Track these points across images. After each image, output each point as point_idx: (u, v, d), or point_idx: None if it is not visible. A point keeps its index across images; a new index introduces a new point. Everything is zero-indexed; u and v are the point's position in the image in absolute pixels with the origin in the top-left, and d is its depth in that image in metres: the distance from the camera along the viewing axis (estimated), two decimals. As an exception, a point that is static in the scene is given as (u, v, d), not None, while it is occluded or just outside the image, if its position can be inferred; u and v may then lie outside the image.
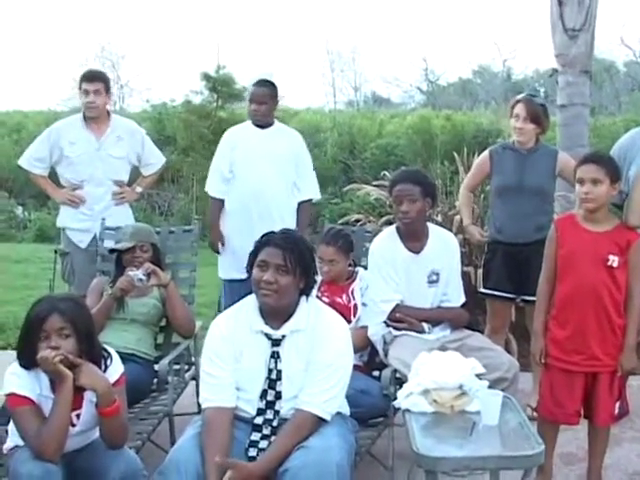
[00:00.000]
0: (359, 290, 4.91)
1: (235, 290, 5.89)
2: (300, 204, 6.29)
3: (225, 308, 5.76)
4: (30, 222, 15.68)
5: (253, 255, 3.66)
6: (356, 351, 4.17)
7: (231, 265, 6.09)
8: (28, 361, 3.39)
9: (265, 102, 6.15)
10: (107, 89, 6.08)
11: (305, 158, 6.34)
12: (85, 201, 6.01)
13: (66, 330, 3.34)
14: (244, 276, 5.88)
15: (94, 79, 6.02)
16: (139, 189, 6.37)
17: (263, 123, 6.18)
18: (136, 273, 4.79)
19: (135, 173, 6.42)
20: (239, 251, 5.93)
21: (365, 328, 4.75)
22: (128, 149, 6.16)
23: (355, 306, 4.86)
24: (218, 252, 6.23)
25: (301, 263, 3.59)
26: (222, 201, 6.21)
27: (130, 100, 35.55)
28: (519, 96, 5.45)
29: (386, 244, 4.81)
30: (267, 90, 6.19)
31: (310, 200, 6.38)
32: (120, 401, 3.43)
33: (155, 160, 6.42)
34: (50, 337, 3.33)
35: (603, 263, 4.09)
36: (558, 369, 4.21)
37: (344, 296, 4.91)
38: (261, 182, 6.06)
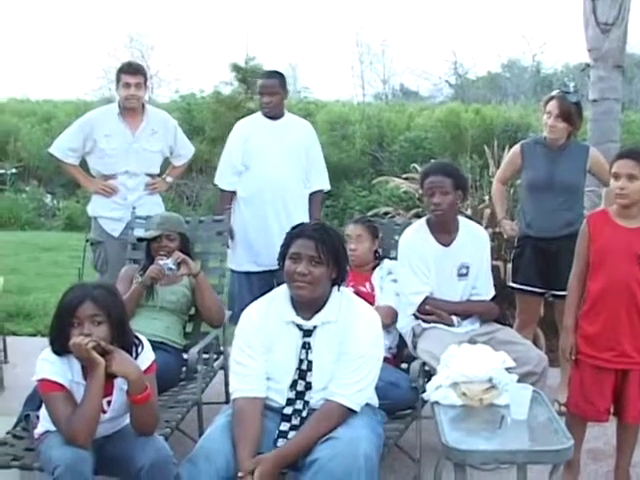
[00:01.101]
0: (379, 278, 4.93)
1: (250, 283, 5.91)
2: (311, 195, 6.30)
3: (238, 301, 5.81)
4: (59, 210, 15.77)
5: (285, 247, 3.67)
6: (384, 327, 4.16)
7: (245, 257, 6.12)
8: (60, 347, 3.41)
9: (277, 93, 6.15)
10: (145, 82, 6.11)
11: (316, 148, 6.34)
12: (118, 191, 6.04)
13: (99, 317, 3.37)
14: (259, 269, 5.93)
15: (137, 72, 6.03)
16: (169, 179, 6.40)
17: (275, 114, 6.17)
18: (166, 262, 4.81)
19: (165, 163, 6.43)
20: (254, 243, 6.02)
21: (388, 306, 4.77)
22: (162, 142, 6.19)
23: None
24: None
25: (333, 254, 3.60)
26: (232, 193, 6.21)
27: (159, 90, 35.64)
28: (553, 92, 5.42)
29: (416, 236, 4.81)
30: (277, 81, 6.19)
31: (321, 191, 6.38)
32: (151, 389, 3.45)
33: (185, 151, 6.45)
34: (83, 324, 3.35)
35: (636, 259, 4.06)
36: (588, 365, 4.18)
37: (367, 284, 4.93)
38: (275, 174, 6.07)
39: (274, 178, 6.05)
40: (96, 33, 63.89)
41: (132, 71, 6.01)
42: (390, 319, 4.72)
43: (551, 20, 55.87)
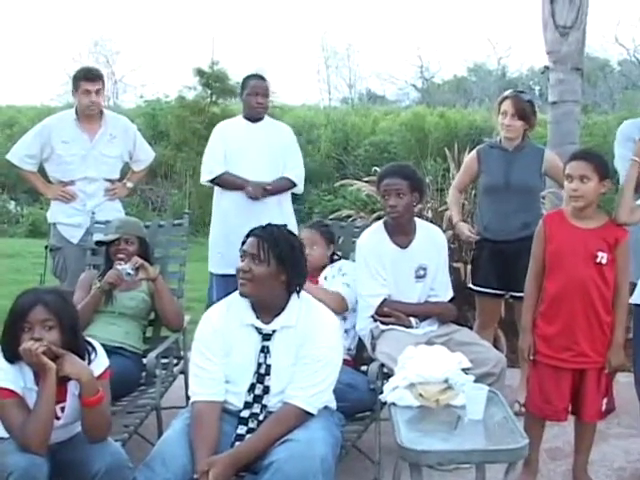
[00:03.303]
0: (330, 276, 4.91)
1: (228, 286, 5.89)
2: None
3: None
4: (23, 217, 15.66)
5: (240, 246, 3.70)
6: (336, 313, 4.20)
7: (223, 260, 6.06)
8: (12, 354, 3.38)
9: (267, 95, 6.19)
10: (104, 87, 6.07)
11: (295, 152, 6.33)
12: (77, 197, 5.99)
13: (50, 322, 3.34)
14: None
15: (96, 79, 5.96)
16: (130, 184, 6.36)
17: (262, 116, 6.16)
18: (124, 267, 4.79)
19: (126, 167, 6.39)
20: (232, 246, 5.90)
21: (335, 292, 4.75)
22: (122, 147, 6.15)
23: None
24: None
25: (276, 252, 3.60)
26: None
27: (124, 96, 35.47)
28: (506, 92, 5.46)
29: (373, 239, 4.81)
30: (267, 84, 6.21)
31: (292, 182, 6.28)
32: (103, 393, 3.42)
33: (145, 156, 6.41)
34: (33, 328, 3.33)
35: (592, 260, 4.08)
36: (546, 365, 4.21)
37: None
38: (254, 176, 6.02)
39: (254, 180, 6.01)
40: (60, 38, 63.47)
41: (92, 78, 5.94)
42: (340, 306, 4.68)
43: (516, 24, 56.11)
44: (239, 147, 6.09)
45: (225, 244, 6.02)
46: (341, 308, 4.71)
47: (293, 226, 6.10)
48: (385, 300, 4.71)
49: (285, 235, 3.73)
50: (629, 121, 5.20)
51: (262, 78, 6.23)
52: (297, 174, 6.25)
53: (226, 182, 6.09)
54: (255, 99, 6.09)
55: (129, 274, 4.77)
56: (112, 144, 6.07)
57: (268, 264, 3.59)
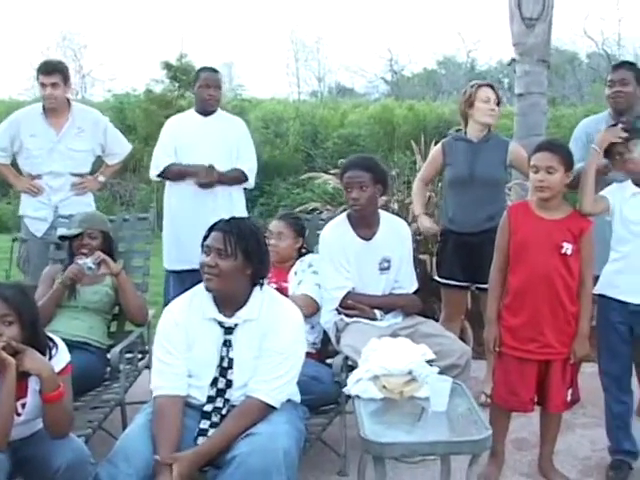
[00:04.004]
0: (299, 270, 4.91)
1: (183, 281, 5.85)
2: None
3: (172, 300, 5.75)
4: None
5: (202, 241, 3.66)
6: (308, 316, 4.30)
7: (177, 256, 6.04)
8: None
9: (220, 87, 6.15)
10: (65, 80, 5.93)
11: (249, 145, 6.26)
12: (44, 190, 5.94)
13: (9, 317, 3.30)
14: (191, 267, 5.86)
15: (51, 72, 5.87)
16: (102, 178, 6.30)
17: (211, 110, 6.10)
18: (85, 261, 4.74)
19: (99, 161, 6.33)
20: (185, 241, 5.89)
21: (309, 297, 4.74)
22: (91, 141, 6.08)
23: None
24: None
25: (243, 246, 3.57)
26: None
27: (93, 90, 35.19)
28: (479, 81, 5.46)
29: (337, 231, 4.80)
30: (218, 76, 6.19)
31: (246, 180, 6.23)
32: (65, 389, 3.38)
33: (120, 149, 6.35)
34: None
35: (557, 251, 4.09)
36: (512, 357, 4.21)
37: (289, 280, 4.90)
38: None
39: (202, 164, 5.95)
40: (28, 32, 62.83)
41: (48, 70, 5.87)
42: (309, 309, 4.67)
43: (485, 17, 56.23)
44: (191, 141, 6.04)
45: (177, 240, 6.01)
46: (311, 310, 4.71)
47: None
48: (349, 293, 4.70)
49: (251, 228, 3.71)
50: (586, 120, 5.30)
51: (214, 70, 6.20)
52: (250, 168, 6.18)
53: (174, 173, 6.06)
54: (207, 91, 6.05)
55: (90, 268, 4.73)
56: (80, 138, 6.00)
57: (235, 258, 3.56)
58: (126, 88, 20.72)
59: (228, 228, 3.61)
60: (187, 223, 5.88)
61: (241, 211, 6.11)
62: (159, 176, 6.16)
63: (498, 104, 5.32)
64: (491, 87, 5.35)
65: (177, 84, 15.03)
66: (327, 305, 4.72)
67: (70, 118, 5.99)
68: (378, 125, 18.37)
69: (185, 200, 6.04)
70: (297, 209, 7.60)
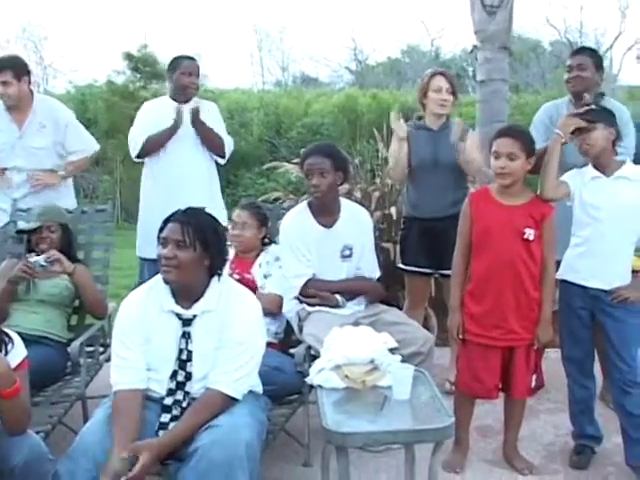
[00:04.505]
0: (264, 263, 4.86)
1: (156, 270, 5.79)
2: None
3: None
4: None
5: (159, 232, 3.61)
6: (271, 314, 4.34)
7: (151, 243, 5.95)
8: None
9: (199, 75, 6.13)
10: (18, 76, 5.75)
11: (222, 127, 6.26)
12: (11, 185, 5.85)
13: None
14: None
15: (1, 70, 5.71)
16: (62, 173, 6.07)
17: (193, 96, 6.07)
18: (37, 259, 4.64)
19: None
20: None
21: (274, 294, 4.71)
22: (52, 138, 5.93)
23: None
24: None
25: (201, 237, 3.53)
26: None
27: (55, 82, 34.87)
28: (434, 69, 5.43)
29: (297, 219, 4.77)
30: (198, 64, 6.14)
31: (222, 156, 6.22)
32: (21, 385, 3.32)
33: (83, 146, 6.16)
34: None
35: (519, 237, 4.09)
36: (475, 344, 4.22)
37: (252, 271, 4.85)
38: (183, 156, 5.96)
39: (182, 160, 5.95)
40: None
41: None
42: (276, 307, 4.66)
43: (449, 5, 56.23)
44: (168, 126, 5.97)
45: (153, 228, 5.93)
46: (278, 307, 4.68)
47: (221, 207, 6.08)
48: (309, 280, 4.67)
49: (208, 219, 3.67)
50: (547, 104, 5.31)
51: (193, 59, 6.15)
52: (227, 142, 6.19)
53: (155, 142, 5.97)
54: (189, 79, 6.00)
55: (42, 266, 4.64)
56: (41, 133, 5.87)
57: (194, 249, 3.52)
58: (88, 80, 20.60)
59: (185, 219, 3.56)
60: (163, 209, 5.79)
61: (218, 197, 6.15)
62: (139, 156, 6.08)
63: (453, 93, 5.28)
64: (444, 75, 5.30)
65: (139, 75, 14.89)
66: (288, 294, 4.68)
67: (31, 114, 5.87)
68: (342, 114, 18.40)
69: (162, 186, 5.99)
70: (260, 199, 7.57)
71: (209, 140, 6.04)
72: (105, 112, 14.92)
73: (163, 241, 3.55)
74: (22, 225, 5.14)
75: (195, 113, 5.89)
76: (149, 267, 6.01)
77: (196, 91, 6.11)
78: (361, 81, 35.11)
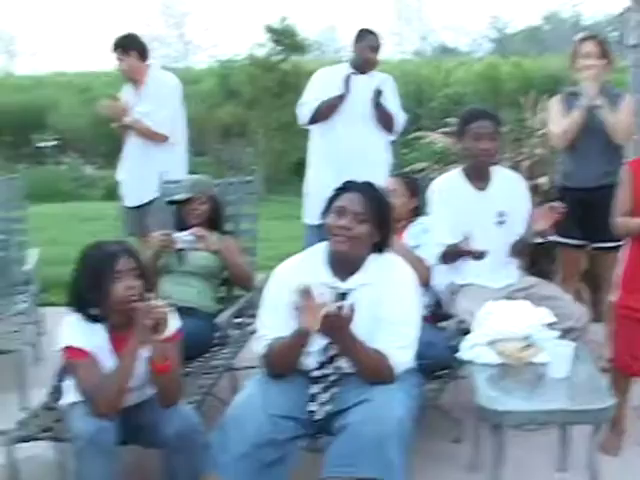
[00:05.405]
0: (414, 234, 4.72)
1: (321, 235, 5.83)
2: None
3: None
4: (98, 181, 15.72)
5: (331, 201, 3.53)
6: (421, 286, 4.12)
7: (316, 210, 5.94)
8: (89, 311, 3.38)
9: (378, 50, 6.22)
10: (125, 53, 6.26)
11: (396, 101, 6.32)
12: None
13: (137, 271, 3.34)
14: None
15: (114, 49, 6.30)
16: (128, 118, 6.37)
17: (372, 69, 6.18)
18: (181, 235, 4.72)
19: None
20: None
21: (424, 266, 4.54)
22: (153, 107, 6.28)
23: None
24: None
25: (378, 212, 3.45)
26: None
27: (196, 57, 35.53)
28: (584, 34, 5.22)
29: (449, 183, 4.67)
30: (379, 39, 6.25)
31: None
32: (174, 357, 3.36)
33: (155, 119, 6.34)
34: (125, 277, 3.30)
35: None
36: (634, 320, 4.03)
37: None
38: (354, 128, 6.07)
39: (352, 132, 6.07)
40: (130, 2, 63.59)
41: (112, 49, 6.31)
42: (426, 279, 4.49)
43: (592, -32, 54.63)
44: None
45: (322, 196, 5.95)
46: (427, 279, 4.53)
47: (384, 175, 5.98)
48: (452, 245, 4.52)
49: (382, 194, 3.59)
50: None
51: (376, 34, 6.24)
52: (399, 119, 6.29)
53: (324, 110, 6.11)
54: (371, 54, 6.13)
55: (187, 242, 4.70)
56: (146, 102, 6.33)
57: (370, 223, 3.44)
58: (228, 54, 20.86)
59: (365, 191, 3.47)
60: (332, 179, 5.77)
61: (381, 167, 6.13)
62: (309, 123, 6.23)
63: (605, 57, 5.05)
64: (594, 40, 5.07)
65: (280, 48, 14.95)
66: (436, 262, 4.57)
67: (143, 85, 6.34)
68: (483, 83, 18.05)
69: (331, 155, 6.15)
70: (405, 170, 7.47)
71: (383, 120, 6.16)
72: (247, 85, 15.02)
73: (340, 210, 3.45)
74: (172, 197, 5.18)
75: (377, 95, 6.01)
76: (314, 233, 6.00)
77: (374, 66, 6.19)
78: (501, 49, 34.50)
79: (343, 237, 3.41)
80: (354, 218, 3.41)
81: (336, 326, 3.24)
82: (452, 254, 4.51)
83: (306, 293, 3.24)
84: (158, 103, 6.28)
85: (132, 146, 6.42)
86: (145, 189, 6.13)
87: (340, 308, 3.23)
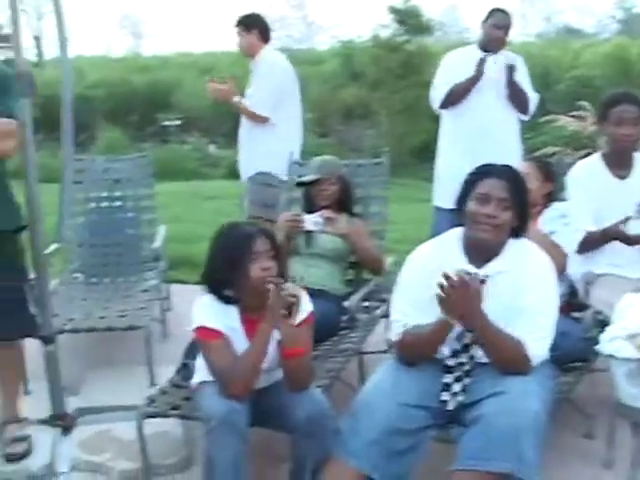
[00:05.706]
0: (549, 220, 4.58)
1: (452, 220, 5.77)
2: None
3: None
4: (221, 160, 15.89)
5: (469, 186, 3.45)
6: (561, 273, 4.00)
7: (447, 193, 5.80)
8: (222, 291, 3.40)
9: (508, 29, 6.16)
10: (247, 30, 6.39)
11: (527, 80, 6.24)
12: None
13: (271, 252, 3.35)
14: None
15: (235, 25, 6.45)
16: (236, 98, 6.38)
17: (501, 49, 6.08)
18: (309, 217, 4.72)
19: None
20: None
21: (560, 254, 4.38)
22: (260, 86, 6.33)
23: None
24: None
25: (521, 198, 3.38)
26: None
27: (318, 38, 35.65)
28: None
29: (588, 170, 4.54)
30: (509, 19, 6.17)
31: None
32: (306, 341, 3.35)
33: (255, 101, 6.34)
34: (260, 258, 3.31)
35: None
36: None
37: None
38: (486, 109, 6.04)
39: (484, 113, 6.03)
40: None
41: (235, 23, 6.45)
42: (562, 267, 4.32)
43: None
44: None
45: (453, 178, 5.87)
46: (563, 267, 4.36)
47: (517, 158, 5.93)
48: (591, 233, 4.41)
49: (523, 179, 3.51)
50: None
51: (506, 13, 6.18)
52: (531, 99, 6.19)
53: (457, 93, 6.09)
54: (499, 32, 6.06)
55: (316, 223, 4.69)
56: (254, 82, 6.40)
57: (513, 211, 3.37)
58: (350, 35, 20.83)
59: (508, 177, 3.40)
60: (464, 162, 5.65)
61: (514, 150, 6.12)
62: (441, 106, 6.22)
63: None
64: None
65: (404, 28, 14.82)
66: (572, 250, 4.44)
67: (254, 63, 6.41)
68: (612, 65, 17.54)
69: (462, 137, 6.14)
70: (535, 153, 7.31)
71: (517, 98, 6.08)
72: (371, 66, 14.94)
73: (483, 197, 3.37)
74: (302, 178, 5.17)
75: (510, 70, 5.94)
76: (445, 217, 5.93)
77: (503, 45, 6.10)
78: (627, 30, 33.54)
79: (487, 225, 3.33)
80: (498, 205, 3.33)
81: (466, 297, 3.17)
82: (600, 239, 4.38)
83: (449, 280, 3.17)
84: (261, 84, 6.31)
85: (241, 126, 6.50)
86: (247, 167, 6.37)
87: (472, 278, 3.16)
